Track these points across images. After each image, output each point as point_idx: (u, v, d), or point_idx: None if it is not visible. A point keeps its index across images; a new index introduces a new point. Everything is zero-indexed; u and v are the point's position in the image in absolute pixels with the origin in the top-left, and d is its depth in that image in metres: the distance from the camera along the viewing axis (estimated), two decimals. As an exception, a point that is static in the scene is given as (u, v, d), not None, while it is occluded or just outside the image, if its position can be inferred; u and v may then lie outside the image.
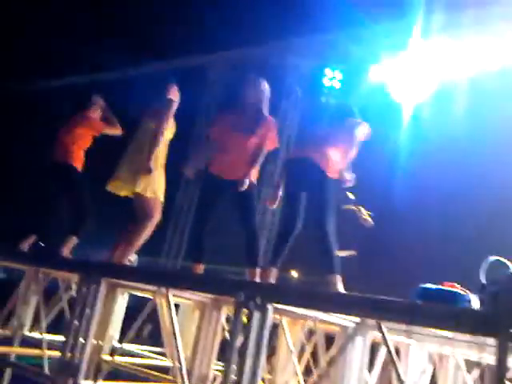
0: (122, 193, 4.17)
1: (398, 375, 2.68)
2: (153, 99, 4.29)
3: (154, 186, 4.01)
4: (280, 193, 4.00)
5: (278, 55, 10.42)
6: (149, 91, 4.56)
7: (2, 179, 11.21)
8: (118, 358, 5.01)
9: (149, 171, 3.89)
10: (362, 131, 3.87)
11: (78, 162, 4.83)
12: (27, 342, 5.39)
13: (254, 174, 3.95)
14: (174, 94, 4.25)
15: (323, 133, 3.80)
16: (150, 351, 7.05)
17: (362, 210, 3.90)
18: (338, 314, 2.98)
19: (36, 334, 5.04)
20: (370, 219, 3.92)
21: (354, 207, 3.93)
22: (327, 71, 10.52)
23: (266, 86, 4.15)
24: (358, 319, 3.33)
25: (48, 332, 4.87)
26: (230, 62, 11.17)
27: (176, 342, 3.10)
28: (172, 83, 4.27)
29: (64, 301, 5.03)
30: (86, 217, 4.62)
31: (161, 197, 4.09)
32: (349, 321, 3.46)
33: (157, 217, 3.98)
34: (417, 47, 9.09)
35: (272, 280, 3.66)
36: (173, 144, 4.39)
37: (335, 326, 4.14)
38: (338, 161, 3.77)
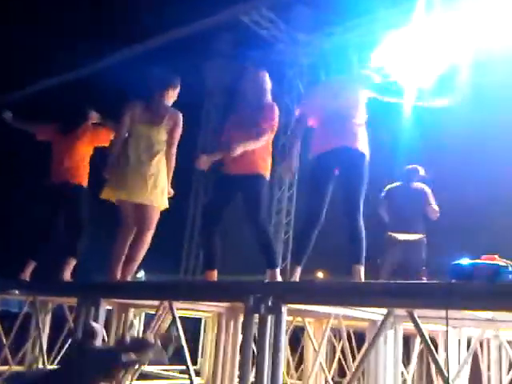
0: (116, 198, 3.85)
1: (439, 367, 2.36)
2: (146, 98, 3.97)
3: (161, 196, 3.75)
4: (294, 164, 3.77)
5: (277, 49, 10.16)
6: (139, 88, 4.24)
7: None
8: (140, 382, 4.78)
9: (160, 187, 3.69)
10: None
11: (84, 178, 4.60)
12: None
13: (263, 167, 3.67)
14: (171, 97, 3.97)
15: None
16: (174, 370, 6.81)
17: None
18: (364, 308, 2.66)
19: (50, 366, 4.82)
20: None
21: None
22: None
23: (266, 77, 3.89)
24: (385, 310, 3.02)
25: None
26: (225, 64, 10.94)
27: (185, 355, 2.79)
28: (174, 84, 3.97)
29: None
30: (83, 235, 4.38)
31: (162, 205, 3.81)
32: (378, 314, 3.15)
33: (154, 228, 3.72)
34: (419, 23, 8.75)
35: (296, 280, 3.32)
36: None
37: (363, 322, 3.84)
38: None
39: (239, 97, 3.98)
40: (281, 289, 2.44)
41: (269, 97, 3.88)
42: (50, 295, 4.05)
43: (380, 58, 9.66)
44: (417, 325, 2.15)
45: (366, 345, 4.34)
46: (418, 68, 9.10)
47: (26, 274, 4.32)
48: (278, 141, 9.84)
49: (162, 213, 3.94)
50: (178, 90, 4.00)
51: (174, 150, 3.89)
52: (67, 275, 4.11)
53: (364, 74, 3.88)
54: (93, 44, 8.52)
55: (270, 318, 2.40)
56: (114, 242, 3.72)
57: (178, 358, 8.76)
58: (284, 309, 2.34)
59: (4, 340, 4.39)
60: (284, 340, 2.37)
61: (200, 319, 6.55)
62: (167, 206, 3.83)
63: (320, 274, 9.52)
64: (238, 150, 3.51)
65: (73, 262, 4.18)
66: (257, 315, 2.44)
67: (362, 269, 3.16)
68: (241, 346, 3.80)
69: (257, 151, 3.66)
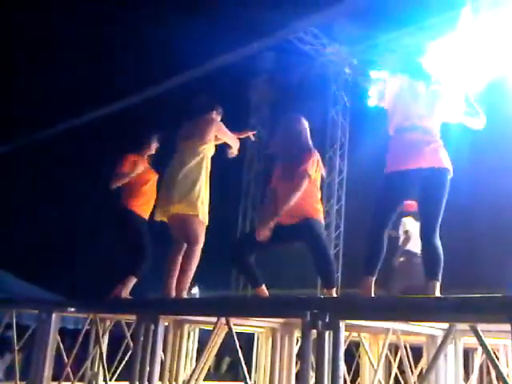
0: (163, 217, 3.96)
1: (505, 381, 2.29)
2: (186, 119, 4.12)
3: (203, 209, 3.82)
4: None
5: (320, 63, 10.20)
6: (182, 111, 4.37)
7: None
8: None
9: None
10: None
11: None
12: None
13: (312, 212, 3.61)
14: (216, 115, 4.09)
15: None
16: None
17: None
18: (423, 323, 2.61)
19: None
20: None
21: None
22: (372, 73, 10.21)
23: (301, 122, 3.83)
24: (445, 325, 2.96)
25: (124, 379, 4.75)
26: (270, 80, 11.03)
27: (244, 372, 2.81)
28: (217, 110, 4.10)
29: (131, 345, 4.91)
30: (146, 257, 4.45)
31: (206, 220, 3.88)
32: (436, 328, 3.09)
33: (203, 240, 3.77)
34: (466, 31, 8.59)
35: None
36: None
37: (421, 337, 3.77)
38: None
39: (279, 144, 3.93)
40: (339, 304, 2.43)
41: (305, 140, 3.80)
42: (110, 313, 4.15)
43: (427, 67, 9.55)
44: (480, 339, 2.10)
45: (424, 360, 4.27)
46: (466, 77, 8.93)
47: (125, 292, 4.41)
48: (324, 153, 9.85)
49: (213, 230, 4.01)
50: (220, 116, 4.12)
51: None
52: (125, 292, 4.21)
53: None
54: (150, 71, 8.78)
55: (327, 334, 2.40)
56: (167, 258, 3.82)
57: (232, 372, 8.81)
58: (342, 325, 2.33)
59: (65, 357, 4.51)
60: (343, 356, 2.36)
61: (253, 334, 6.57)
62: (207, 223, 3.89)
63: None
64: (284, 211, 3.50)
65: (132, 281, 4.28)
66: (314, 331, 2.44)
67: (438, 284, 3.07)
68: (297, 362, 3.80)
69: (302, 198, 3.59)
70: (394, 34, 9.60)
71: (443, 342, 2.32)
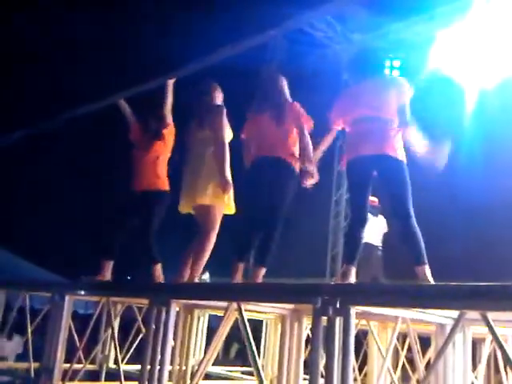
0: (186, 209, 4.04)
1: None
2: (195, 105, 4.14)
3: (221, 196, 3.86)
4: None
5: (332, 51, 10.15)
6: (189, 97, 4.38)
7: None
8: (204, 382, 4.87)
9: (227, 185, 3.79)
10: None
11: (166, 184, 4.65)
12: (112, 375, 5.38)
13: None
14: (219, 97, 4.12)
15: None
16: (238, 371, 6.90)
17: None
18: (434, 310, 2.63)
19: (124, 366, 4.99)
20: None
21: None
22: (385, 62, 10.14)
23: (282, 79, 4.13)
24: (455, 314, 2.97)
25: (135, 362, 4.81)
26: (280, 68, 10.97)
27: (255, 358, 2.84)
28: (213, 83, 4.14)
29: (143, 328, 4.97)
30: (153, 242, 4.48)
31: (228, 208, 3.92)
32: (444, 317, 3.10)
33: (217, 228, 3.82)
34: (478, 19, 8.47)
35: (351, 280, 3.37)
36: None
37: (429, 326, 3.78)
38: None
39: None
40: (349, 290, 2.45)
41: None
42: (122, 296, 4.20)
43: (438, 56, 9.46)
44: (491, 328, 2.11)
45: (432, 349, 4.29)
46: (480, 68, 8.80)
47: (106, 275, 4.45)
48: (335, 141, 9.82)
49: (226, 217, 4.04)
50: (219, 90, 4.14)
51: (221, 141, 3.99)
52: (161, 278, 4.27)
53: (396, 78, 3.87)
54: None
55: (338, 320, 2.42)
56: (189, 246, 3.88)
57: (241, 358, 8.86)
58: (353, 311, 2.35)
59: (77, 340, 4.58)
60: (353, 343, 2.38)
61: (260, 321, 6.63)
62: (231, 211, 3.92)
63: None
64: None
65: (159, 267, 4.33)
66: (325, 317, 2.46)
67: (427, 268, 3.14)
68: (306, 349, 3.84)
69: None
70: (406, 22, 9.53)
71: (453, 330, 2.34)
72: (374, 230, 6.53)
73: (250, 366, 5.55)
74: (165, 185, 4.56)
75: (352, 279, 3.42)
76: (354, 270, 3.49)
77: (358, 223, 3.59)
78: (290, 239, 4.25)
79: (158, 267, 4.37)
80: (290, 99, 4.02)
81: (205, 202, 3.80)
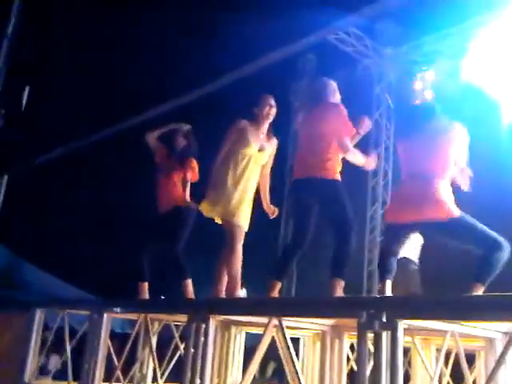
0: (212, 214, 4.01)
1: None
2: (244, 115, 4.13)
3: (246, 216, 3.86)
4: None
5: (363, 65, 10.10)
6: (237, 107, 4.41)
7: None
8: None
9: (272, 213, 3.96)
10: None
11: (186, 201, 4.73)
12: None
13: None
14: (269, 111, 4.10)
15: None
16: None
17: None
18: (484, 324, 2.51)
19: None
20: None
21: None
22: (418, 75, 10.04)
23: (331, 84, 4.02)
24: (505, 328, 2.85)
25: (172, 380, 4.76)
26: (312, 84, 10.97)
27: (298, 377, 2.76)
28: (271, 104, 4.11)
29: (181, 348, 4.93)
30: (181, 258, 4.52)
31: (245, 226, 3.93)
32: (494, 331, 2.97)
33: (242, 241, 3.82)
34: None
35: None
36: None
37: (476, 341, 3.64)
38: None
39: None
40: (396, 303, 2.37)
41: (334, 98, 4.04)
42: (160, 313, 4.18)
43: (471, 69, 9.30)
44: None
45: (478, 366, 4.12)
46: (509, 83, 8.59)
47: (144, 295, 4.50)
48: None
49: (256, 232, 4.05)
50: (274, 108, 4.10)
51: (269, 171, 4.04)
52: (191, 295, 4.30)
53: None
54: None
55: (384, 335, 2.33)
56: (218, 260, 3.86)
57: (277, 378, 8.73)
58: (401, 325, 2.27)
59: (116, 361, 4.56)
60: (401, 358, 2.29)
61: (297, 339, 6.51)
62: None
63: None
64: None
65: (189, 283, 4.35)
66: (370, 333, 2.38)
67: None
68: (351, 366, 3.73)
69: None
70: (437, 35, 9.42)
71: (508, 345, 2.22)
72: (410, 243, 6.37)
73: (286, 384, 5.46)
74: (185, 202, 4.64)
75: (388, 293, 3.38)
76: (389, 283, 3.44)
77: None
78: (325, 256, 4.18)
79: (189, 283, 4.38)
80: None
81: (237, 222, 3.80)
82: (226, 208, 3.83)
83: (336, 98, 3.92)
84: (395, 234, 3.61)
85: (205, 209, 3.97)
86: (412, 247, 6.57)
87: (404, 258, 6.24)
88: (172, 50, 10.92)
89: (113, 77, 10.99)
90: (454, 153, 3.50)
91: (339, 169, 3.79)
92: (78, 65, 10.82)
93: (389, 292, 3.46)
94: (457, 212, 3.35)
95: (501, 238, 3.25)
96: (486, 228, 3.30)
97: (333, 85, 3.98)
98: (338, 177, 3.74)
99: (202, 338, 3.11)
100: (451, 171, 3.49)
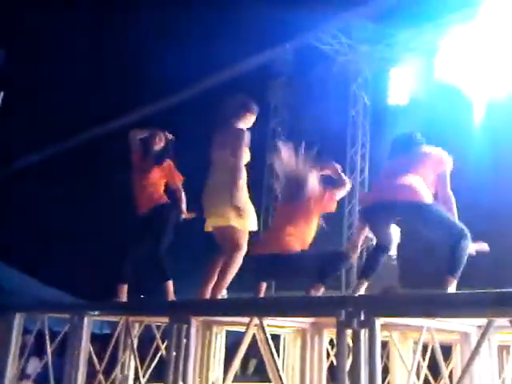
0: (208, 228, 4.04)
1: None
2: (219, 124, 4.13)
3: (245, 218, 3.86)
4: None
5: (339, 63, 10.19)
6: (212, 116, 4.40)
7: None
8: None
9: (237, 209, 3.78)
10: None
11: (164, 198, 4.75)
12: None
13: None
14: (245, 121, 4.08)
15: None
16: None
17: None
18: (459, 319, 2.59)
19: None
20: None
21: None
22: (392, 71, 10.17)
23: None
24: (479, 322, 2.93)
25: (154, 381, 4.78)
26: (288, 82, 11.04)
27: (279, 373, 2.81)
28: (252, 110, 4.10)
29: (162, 348, 4.95)
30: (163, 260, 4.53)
31: (250, 227, 3.93)
32: (469, 325, 3.06)
33: (245, 248, 3.81)
34: (485, 27, 8.44)
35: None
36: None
37: (451, 335, 3.73)
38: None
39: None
40: (374, 302, 2.43)
41: None
42: (142, 315, 4.19)
43: (444, 66, 9.43)
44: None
45: (454, 359, 4.23)
46: (488, 77, 8.72)
47: (122, 297, 4.48)
48: (345, 153, 9.83)
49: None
50: (254, 116, 4.10)
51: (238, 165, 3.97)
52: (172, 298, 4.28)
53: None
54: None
55: (363, 333, 2.39)
56: (209, 263, 3.88)
57: (259, 374, 8.78)
58: (378, 322, 2.33)
59: (97, 364, 4.55)
60: (379, 355, 2.36)
61: (277, 336, 6.56)
62: (253, 228, 3.91)
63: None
64: None
65: (170, 285, 4.35)
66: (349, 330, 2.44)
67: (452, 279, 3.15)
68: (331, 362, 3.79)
69: None
70: (412, 32, 9.55)
71: (482, 338, 2.30)
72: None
73: (267, 381, 5.50)
74: (163, 199, 4.67)
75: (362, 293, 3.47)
76: (365, 285, 3.58)
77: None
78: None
79: (170, 285, 4.38)
80: None
81: (225, 224, 3.81)
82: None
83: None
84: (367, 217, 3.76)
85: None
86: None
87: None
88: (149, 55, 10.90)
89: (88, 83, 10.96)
90: (430, 174, 3.62)
91: None
92: (53, 69, 10.71)
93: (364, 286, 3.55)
94: (429, 200, 3.47)
95: (464, 226, 3.36)
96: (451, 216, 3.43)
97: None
98: None
99: (184, 340, 3.14)
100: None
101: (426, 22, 9.33)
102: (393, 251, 6.86)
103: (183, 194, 4.78)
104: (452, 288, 3.17)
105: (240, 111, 4.00)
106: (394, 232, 6.71)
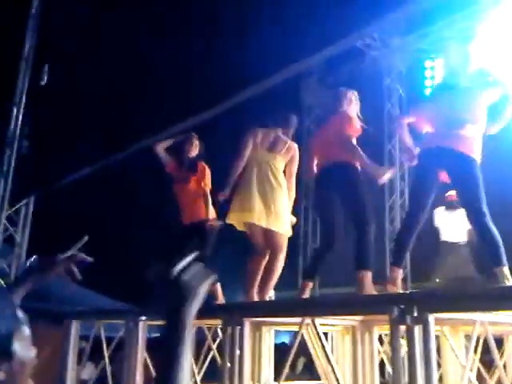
0: (244, 220, 4.07)
1: None
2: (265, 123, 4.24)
3: (285, 223, 3.95)
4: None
5: (371, 59, 10.11)
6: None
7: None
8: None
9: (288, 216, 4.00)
10: None
11: (210, 213, 4.83)
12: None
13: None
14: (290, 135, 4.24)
15: None
16: (307, 386, 6.85)
17: None
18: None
19: None
20: None
21: None
22: (427, 63, 10.03)
23: (353, 96, 4.23)
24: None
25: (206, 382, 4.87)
26: (323, 80, 11.02)
27: (334, 371, 2.86)
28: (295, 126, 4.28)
29: (214, 349, 5.04)
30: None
31: (289, 231, 4.01)
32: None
33: (284, 250, 3.91)
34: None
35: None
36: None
37: (505, 327, 3.70)
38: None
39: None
40: (427, 298, 2.45)
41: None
42: (196, 318, 4.28)
43: (478, 53, 9.24)
44: None
45: (507, 351, 4.19)
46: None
47: None
48: (383, 147, 9.74)
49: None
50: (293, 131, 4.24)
51: (294, 180, 4.10)
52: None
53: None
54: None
55: (416, 329, 2.42)
56: (249, 264, 3.94)
57: (308, 372, 8.81)
58: (431, 318, 2.35)
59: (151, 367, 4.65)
60: (434, 350, 2.38)
61: (325, 334, 6.58)
62: (291, 233, 4.00)
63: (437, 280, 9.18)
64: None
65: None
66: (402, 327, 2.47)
67: (505, 269, 3.11)
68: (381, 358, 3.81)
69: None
70: (445, 20, 9.39)
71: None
72: (455, 225, 6.21)
73: (317, 379, 5.53)
74: (202, 212, 4.75)
75: (399, 282, 3.47)
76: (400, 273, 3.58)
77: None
78: (344, 247, 4.26)
79: (218, 288, 4.49)
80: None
81: (272, 228, 3.89)
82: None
83: (352, 108, 4.05)
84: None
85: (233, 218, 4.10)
86: (457, 229, 6.37)
87: (447, 242, 6.24)
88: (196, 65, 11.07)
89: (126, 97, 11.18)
90: None
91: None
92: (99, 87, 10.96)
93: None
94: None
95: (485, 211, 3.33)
96: None
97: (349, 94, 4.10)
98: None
99: (238, 341, 3.21)
100: None
101: (460, 8, 9.16)
102: (462, 237, 6.52)
103: (209, 199, 4.84)
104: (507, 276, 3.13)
105: (289, 126, 4.15)
106: (461, 216, 6.45)
